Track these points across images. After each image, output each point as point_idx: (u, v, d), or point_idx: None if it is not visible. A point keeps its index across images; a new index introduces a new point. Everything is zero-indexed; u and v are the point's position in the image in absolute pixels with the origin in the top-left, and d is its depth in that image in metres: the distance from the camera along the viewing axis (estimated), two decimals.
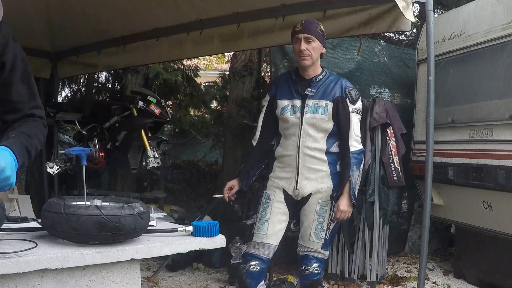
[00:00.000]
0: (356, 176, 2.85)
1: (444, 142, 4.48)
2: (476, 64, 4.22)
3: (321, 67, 2.99)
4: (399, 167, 4.41)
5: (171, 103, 7.21)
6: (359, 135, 2.93)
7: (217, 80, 8.35)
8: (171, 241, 1.68)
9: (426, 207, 3.12)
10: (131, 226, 1.56)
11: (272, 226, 2.94)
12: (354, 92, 2.92)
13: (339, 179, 2.89)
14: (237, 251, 4.66)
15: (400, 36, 7.55)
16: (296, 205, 2.99)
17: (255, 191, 5.60)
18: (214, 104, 8.19)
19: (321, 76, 2.94)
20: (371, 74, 5.40)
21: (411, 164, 4.89)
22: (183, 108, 7.39)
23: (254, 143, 3.10)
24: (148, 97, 4.33)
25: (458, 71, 4.45)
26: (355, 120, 2.89)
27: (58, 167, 4.41)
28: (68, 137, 7.04)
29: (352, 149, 2.86)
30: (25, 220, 1.85)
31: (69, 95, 7.37)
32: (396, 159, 4.40)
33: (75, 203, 1.62)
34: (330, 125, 2.89)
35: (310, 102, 2.90)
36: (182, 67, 7.22)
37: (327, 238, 2.92)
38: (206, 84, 8.61)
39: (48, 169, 4.42)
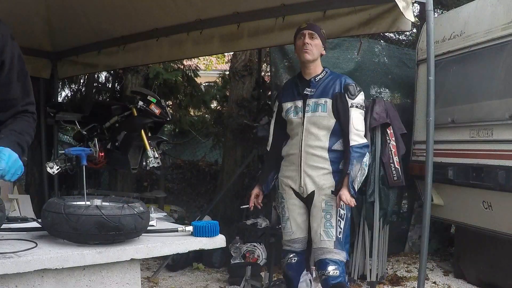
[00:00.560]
0: (356, 170, 2.83)
1: (444, 142, 4.48)
2: (476, 64, 4.21)
3: (323, 67, 3.05)
4: (399, 167, 4.41)
5: (171, 103, 7.20)
6: (361, 129, 2.91)
7: (217, 80, 8.35)
8: (171, 241, 1.68)
9: (426, 207, 3.12)
10: (131, 226, 1.56)
11: (294, 223, 3.05)
12: (352, 87, 2.93)
13: (341, 176, 2.91)
14: (237, 251, 4.67)
15: (400, 36, 7.55)
16: (306, 202, 3.03)
17: None
18: (214, 104, 8.19)
19: (321, 76, 3.00)
20: (371, 74, 5.41)
21: (411, 164, 4.89)
22: (183, 108, 7.39)
23: (268, 148, 3.23)
24: (148, 97, 4.33)
25: (458, 71, 4.45)
26: (355, 115, 2.89)
27: (58, 167, 4.41)
28: (68, 137, 7.03)
29: (352, 143, 2.86)
30: (25, 220, 1.85)
31: (69, 95, 7.37)
32: (396, 159, 4.40)
33: (75, 203, 1.62)
34: (331, 122, 2.92)
35: (310, 102, 2.96)
36: (182, 67, 7.22)
37: (339, 236, 2.90)
38: (206, 84, 8.61)
39: (48, 169, 4.42)
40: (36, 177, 5.92)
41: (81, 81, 7.20)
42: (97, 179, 6.73)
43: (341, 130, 2.92)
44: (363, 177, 2.94)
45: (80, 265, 1.47)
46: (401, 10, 2.84)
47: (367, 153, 2.93)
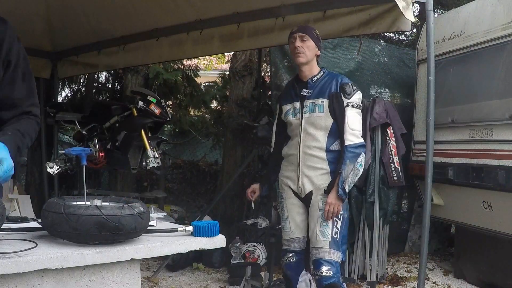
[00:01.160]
0: (348, 170, 2.83)
1: (444, 142, 4.48)
2: (476, 64, 4.22)
3: (320, 68, 3.07)
4: (399, 167, 4.41)
5: (171, 103, 7.20)
6: (357, 128, 2.91)
7: (217, 80, 8.35)
8: (171, 241, 1.68)
9: (426, 207, 3.12)
10: (131, 226, 1.56)
11: (293, 222, 3.07)
12: (348, 86, 2.93)
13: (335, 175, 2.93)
14: (237, 251, 4.67)
15: (400, 36, 7.55)
16: (305, 202, 3.05)
17: None
18: (214, 104, 8.19)
19: (317, 76, 3.02)
20: (371, 74, 5.41)
21: (411, 164, 4.89)
22: (183, 108, 7.39)
23: (271, 150, 3.28)
24: (148, 97, 4.33)
25: (458, 71, 4.45)
26: (350, 114, 2.89)
27: (58, 167, 4.41)
28: (68, 137, 7.04)
29: (347, 143, 2.87)
30: (25, 220, 1.85)
31: (69, 95, 7.37)
32: (396, 159, 4.40)
33: (75, 203, 1.62)
34: (329, 122, 2.92)
35: (308, 102, 2.98)
36: (182, 67, 7.22)
37: (335, 237, 2.90)
38: (206, 84, 8.61)
39: (48, 169, 4.42)
40: (36, 177, 5.92)
41: (81, 81, 7.20)
42: (97, 179, 6.73)
43: (338, 130, 2.93)
44: (357, 177, 2.91)
45: (80, 265, 1.47)
46: (401, 10, 2.84)
47: (362, 153, 2.91)
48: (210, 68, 12.47)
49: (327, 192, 2.91)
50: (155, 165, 4.28)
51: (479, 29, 4.17)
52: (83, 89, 7.27)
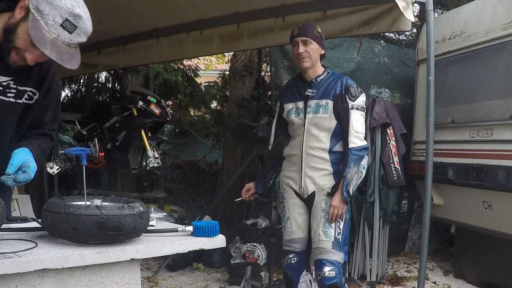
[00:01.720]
0: (352, 173, 2.83)
1: (444, 142, 4.48)
2: (476, 64, 4.22)
3: (324, 67, 3.03)
4: (399, 167, 4.41)
5: (171, 103, 7.21)
6: (361, 131, 2.89)
7: (217, 80, 8.36)
8: (171, 241, 1.68)
9: (426, 207, 3.12)
10: (131, 226, 1.56)
11: (295, 222, 3.05)
12: (353, 88, 2.90)
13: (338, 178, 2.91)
14: (237, 251, 4.67)
15: (400, 36, 7.55)
16: (307, 202, 3.03)
17: None
18: (214, 104, 8.19)
19: (322, 77, 2.98)
20: (371, 74, 5.41)
21: (411, 164, 4.89)
22: (183, 108, 7.40)
23: (270, 148, 3.24)
24: (148, 97, 4.33)
25: (458, 71, 4.45)
26: (355, 116, 2.87)
27: (58, 167, 4.40)
28: (68, 137, 7.04)
29: (351, 145, 2.85)
30: (25, 220, 1.84)
31: (69, 95, 7.38)
32: (396, 159, 4.40)
33: (75, 203, 1.62)
34: (332, 123, 2.91)
35: (311, 103, 2.95)
36: (182, 67, 7.23)
37: (338, 237, 2.89)
38: (206, 84, 8.62)
39: (48, 169, 4.41)
40: (36, 177, 5.86)
41: (81, 81, 7.21)
42: (97, 179, 6.73)
43: (341, 131, 2.91)
44: (360, 180, 2.91)
45: (80, 265, 1.47)
46: (401, 10, 2.83)
47: (366, 156, 2.91)
48: (210, 68, 12.47)
49: (331, 194, 2.90)
50: (155, 165, 4.28)
51: (479, 29, 4.17)
52: (83, 89, 7.27)
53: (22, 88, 1.83)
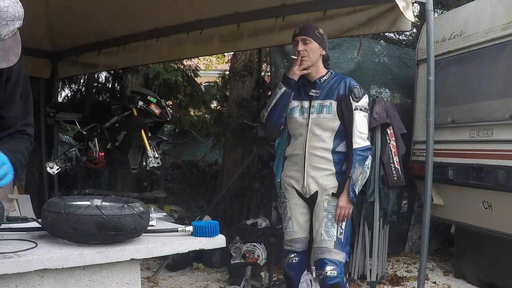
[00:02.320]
0: (357, 173, 2.86)
1: (444, 142, 4.48)
2: (476, 64, 4.21)
3: (327, 68, 3.05)
4: (399, 167, 4.41)
5: (171, 103, 7.20)
6: (364, 132, 2.92)
7: (217, 80, 8.35)
8: (171, 241, 1.68)
9: (426, 207, 3.12)
10: (131, 226, 1.56)
11: (296, 222, 3.05)
12: (357, 89, 2.94)
13: (343, 177, 2.92)
14: (237, 251, 4.67)
15: (400, 36, 7.55)
16: (309, 202, 3.04)
17: (255, 191, 5.63)
18: (214, 104, 8.19)
19: (325, 77, 3.00)
20: (371, 74, 5.41)
21: (411, 164, 4.89)
22: (183, 108, 7.39)
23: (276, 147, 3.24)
24: (148, 97, 4.33)
25: (458, 71, 4.45)
26: (359, 117, 2.90)
27: (58, 167, 4.41)
28: (68, 137, 7.03)
29: (355, 146, 2.87)
30: (25, 220, 1.85)
31: (69, 95, 7.37)
32: (396, 159, 4.40)
33: (75, 203, 1.62)
34: (336, 124, 2.92)
35: (315, 103, 2.97)
36: (182, 67, 7.22)
37: (340, 237, 2.90)
38: (206, 84, 8.62)
39: (48, 169, 4.42)
40: (36, 177, 5.92)
41: (81, 81, 7.20)
42: (97, 179, 6.73)
43: (344, 132, 2.93)
44: (365, 180, 2.95)
45: (80, 265, 1.47)
46: (401, 10, 2.83)
47: (369, 156, 2.95)
48: (210, 68, 12.46)
49: (336, 195, 2.91)
50: (155, 165, 4.28)
51: (479, 29, 4.17)
52: (83, 89, 7.27)
53: None
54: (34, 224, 1.75)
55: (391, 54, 5.69)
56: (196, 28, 4.23)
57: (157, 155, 4.28)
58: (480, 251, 4.40)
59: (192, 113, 7.93)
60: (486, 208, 4.08)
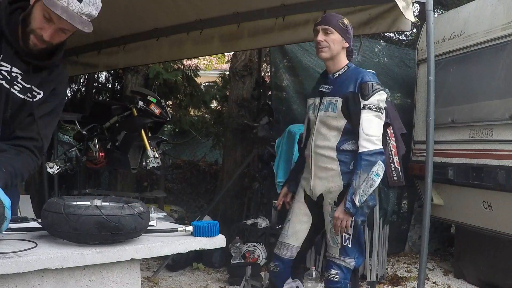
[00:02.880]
0: (360, 181, 2.57)
1: (444, 142, 4.48)
2: (476, 64, 4.22)
3: (348, 62, 2.84)
4: (399, 167, 4.41)
5: (171, 103, 7.21)
6: (372, 133, 2.61)
7: (217, 80, 8.36)
8: (171, 241, 1.68)
9: (426, 207, 3.12)
10: (131, 226, 1.56)
11: (292, 226, 2.90)
12: (367, 85, 2.63)
13: (350, 178, 2.68)
14: (237, 251, 4.67)
15: (400, 36, 7.55)
16: (316, 206, 2.86)
17: (255, 191, 5.63)
18: (214, 104, 8.19)
19: (340, 72, 2.78)
20: None
21: (411, 164, 4.89)
22: (183, 108, 7.39)
23: (301, 145, 3.04)
24: (148, 97, 4.33)
25: (458, 71, 4.45)
26: (366, 117, 2.61)
27: (58, 167, 4.41)
28: (68, 137, 7.03)
29: (361, 149, 2.60)
30: (25, 220, 1.84)
31: (69, 95, 7.37)
32: (396, 159, 4.39)
33: (75, 203, 1.62)
34: (341, 123, 2.69)
35: (325, 100, 2.76)
36: (182, 67, 7.22)
37: (345, 244, 2.71)
38: (206, 84, 8.62)
39: (48, 169, 4.42)
40: (36, 177, 5.92)
41: (81, 81, 7.21)
42: (97, 179, 6.73)
43: (353, 131, 2.67)
44: (371, 188, 2.60)
45: (80, 265, 1.47)
46: (401, 10, 2.83)
47: (379, 161, 2.60)
48: (210, 68, 12.47)
49: (337, 203, 2.70)
50: (155, 165, 4.28)
51: (479, 29, 4.17)
52: (83, 89, 7.27)
53: (27, 86, 1.85)
54: (34, 224, 1.75)
55: (391, 54, 5.69)
56: (196, 28, 4.23)
57: (157, 155, 4.29)
58: (480, 251, 4.40)
59: (192, 113, 7.94)
60: (486, 208, 4.08)
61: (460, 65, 4.43)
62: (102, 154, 4.51)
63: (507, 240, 3.97)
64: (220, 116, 7.44)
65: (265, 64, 6.56)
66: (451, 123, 4.45)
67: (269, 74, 6.18)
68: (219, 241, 1.79)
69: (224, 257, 4.91)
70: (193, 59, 7.90)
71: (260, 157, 5.23)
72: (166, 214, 4.74)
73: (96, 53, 5.08)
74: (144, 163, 4.35)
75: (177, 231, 1.78)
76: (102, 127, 4.61)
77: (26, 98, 1.87)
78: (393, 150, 4.39)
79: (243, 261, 4.58)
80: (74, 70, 5.49)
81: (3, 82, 1.81)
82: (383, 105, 2.66)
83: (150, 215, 1.74)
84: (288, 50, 5.12)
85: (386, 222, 4.56)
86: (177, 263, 4.80)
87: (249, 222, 4.81)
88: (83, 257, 1.46)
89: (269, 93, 5.64)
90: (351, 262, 2.73)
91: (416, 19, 3.63)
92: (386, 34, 6.83)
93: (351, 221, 2.66)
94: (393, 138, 4.42)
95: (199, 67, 8.21)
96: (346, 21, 2.78)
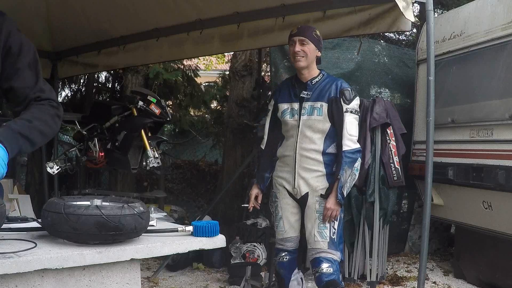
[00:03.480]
0: (346, 175, 2.89)
1: (444, 142, 4.48)
2: (476, 64, 4.22)
3: (319, 69, 3.08)
4: (399, 167, 4.41)
5: (171, 103, 7.21)
6: (354, 134, 2.95)
7: (217, 80, 8.36)
8: (171, 241, 1.68)
9: (426, 207, 3.12)
10: (131, 226, 1.56)
11: (287, 221, 3.11)
12: (348, 92, 2.96)
13: (333, 179, 2.96)
14: (237, 251, 4.67)
15: (400, 36, 7.56)
16: (299, 203, 3.08)
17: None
18: (214, 104, 8.19)
19: (317, 79, 3.04)
20: (371, 74, 5.41)
21: (411, 164, 4.89)
22: (183, 108, 7.39)
23: (263, 147, 3.24)
24: (148, 97, 4.33)
25: (458, 71, 4.45)
26: (349, 120, 2.93)
27: (58, 167, 4.41)
28: (68, 137, 7.04)
29: (345, 148, 2.90)
30: (25, 220, 1.84)
31: (69, 95, 7.38)
32: (396, 159, 4.40)
33: (75, 203, 1.62)
34: (326, 126, 2.96)
35: (306, 105, 3.00)
36: (182, 67, 7.22)
37: (333, 237, 2.96)
38: (206, 84, 8.61)
39: (48, 169, 4.42)
40: (36, 177, 5.92)
41: (81, 81, 7.21)
42: (97, 179, 6.73)
43: (335, 133, 2.96)
44: (353, 182, 2.97)
45: (80, 265, 1.47)
46: (401, 10, 2.83)
47: (359, 158, 2.97)
48: (210, 68, 12.47)
49: (325, 196, 2.95)
50: (155, 165, 4.28)
51: (479, 29, 4.17)
52: (83, 89, 7.27)
53: None
54: (34, 224, 1.75)
55: (391, 54, 5.69)
56: (196, 28, 4.23)
57: (157, 155, 4.29)
58: (480, 251, 4.40)
59: (192, 113, 7.94)
60: (486, 208, 4.08)
61: (460, 65, 4.43)
62: (102, 154, 4.51)
63: (507, 240, 3.97)
64: (220, 116, 7.44)
65: (265, 64, 6.56)
66: (451, 123, 4.45)
67: (269, 74, 6.18)
68: (219, 241, 1.79)
69: (224, 257, 4.91)
70: (193, 59, 7.89)
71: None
72: (166, 214, 4.74)
73: (96, 53, 5.07)
74: (144, 163, 4.36)
75: (177, 231, 1.78)
76: (102, 127, 4.61)
77: None
78: (393, 150, 4.40)
79: (243, 261, 4.59)
80: (74, 70, 5.49)
81: None
82: (358, 108, 3.03)
83: (150, 215, 1.74)
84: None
85: (386, 222, 4.56)
86: (177, 263, 4.81)
87: (249, 222, 4.81)
88: (83, 257, 1.46)
89: (269, 93, 5.63)
90: (338, 255, 2.97)
91: (416, 19, 3.64)
92: (386, 34, 6.83)
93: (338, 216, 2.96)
94: (393, 138, 4.42)
95: (199, 67, 8.21)
96: (318, 32, 3.06)
